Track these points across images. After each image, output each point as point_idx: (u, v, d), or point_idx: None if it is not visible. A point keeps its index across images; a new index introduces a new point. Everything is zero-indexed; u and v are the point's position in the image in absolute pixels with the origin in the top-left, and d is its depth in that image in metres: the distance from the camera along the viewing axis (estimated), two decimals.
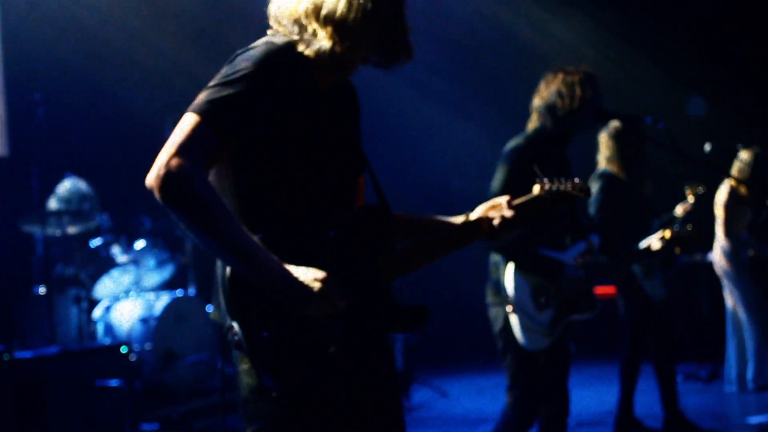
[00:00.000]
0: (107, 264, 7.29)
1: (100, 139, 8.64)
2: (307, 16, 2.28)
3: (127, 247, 7.41)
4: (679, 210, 6.51)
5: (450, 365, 9.96)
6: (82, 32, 8.16)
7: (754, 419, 6.35)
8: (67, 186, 7.55)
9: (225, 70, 2.22)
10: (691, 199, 6.43)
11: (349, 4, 2.25)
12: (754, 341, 7.27)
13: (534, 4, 10.31)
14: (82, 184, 7.61)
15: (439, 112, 10.62)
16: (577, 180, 2.82)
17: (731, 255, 7.31)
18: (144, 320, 7.04)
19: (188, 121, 2.14)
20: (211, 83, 2.21)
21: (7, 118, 8.23)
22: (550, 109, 4.34)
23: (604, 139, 5.83)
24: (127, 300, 7.28)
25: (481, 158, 7.10)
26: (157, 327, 7.04)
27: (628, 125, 5.14)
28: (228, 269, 2.17)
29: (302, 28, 2.29)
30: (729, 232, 7.32)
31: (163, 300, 7.22)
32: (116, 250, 7.37)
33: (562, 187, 2.78)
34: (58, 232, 7.05)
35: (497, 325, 4.28)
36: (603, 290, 9.90)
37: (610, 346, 9.94)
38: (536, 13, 10.38)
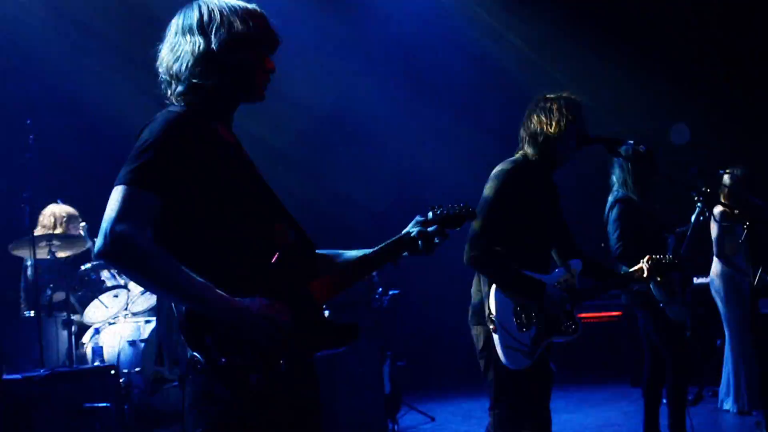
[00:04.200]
0: (96, 288, 7.33)
1: (90, 165, 8.69)
2: (178, 70, 2.60)
3: (117, 272, 7.45)
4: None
5: (438, 389, 9.99)
6: (74, 59, 8.25)
7: None
8: (52, 210, 7.58)
9: (135, 145, 2.46)
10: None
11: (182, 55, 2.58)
12: (733, 364, 7.34)
13: (514, 34, 10.44)
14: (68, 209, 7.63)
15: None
16: (463, 204, 3.02)
17: (726, 277, 7.39)
18: (132, 343, 7.08)
19: (117, 192, 2.37)
20: (127, 161, 2.43)
21: None
22: (532, 136, 4.40)
23: (621, 164, 5.84)
24: (116, 324, 7.32)
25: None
26: (145, 350, 7.08)
27: (615, 148, 5.04)
28: (183, 309, 2.42)
29: (179, 83, 2.60)
30: (721, 254, 7.41)
31: (152, 324, 7.26)
32: (105, 275, 7.41)
33: (451, 211, 2.98)
34: (48, 256, 7.09)
35: (479, 344, 4.31)
36: (604, 314, 10.01)
37: (597, 371, 10.02)
38: (518, 42, 10.52)
